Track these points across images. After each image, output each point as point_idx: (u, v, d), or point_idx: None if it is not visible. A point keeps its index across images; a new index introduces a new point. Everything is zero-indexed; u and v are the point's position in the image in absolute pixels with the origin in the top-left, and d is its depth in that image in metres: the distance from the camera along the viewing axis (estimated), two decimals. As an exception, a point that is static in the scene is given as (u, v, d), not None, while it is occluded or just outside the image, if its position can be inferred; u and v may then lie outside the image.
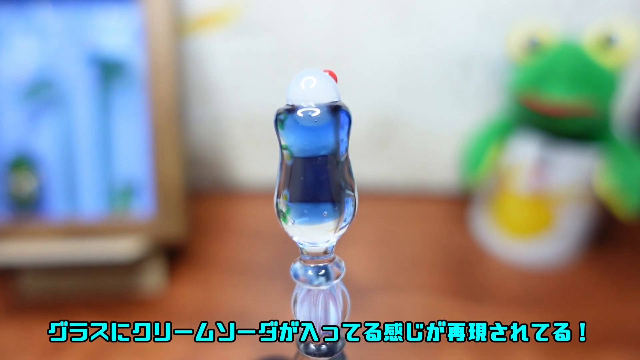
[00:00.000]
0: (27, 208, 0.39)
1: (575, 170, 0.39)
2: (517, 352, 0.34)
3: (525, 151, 0.40)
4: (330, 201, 0.15)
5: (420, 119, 0.51)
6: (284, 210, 0.15)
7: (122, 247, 0.37)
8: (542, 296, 0.39)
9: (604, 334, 0.35)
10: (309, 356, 0.17)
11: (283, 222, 0.15)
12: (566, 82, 0.37)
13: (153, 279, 0.39)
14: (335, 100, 0.14)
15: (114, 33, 0.40)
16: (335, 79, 0.15)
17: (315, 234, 0.15)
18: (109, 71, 0.40)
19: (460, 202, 0.52)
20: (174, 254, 0.43)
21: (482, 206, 0.47)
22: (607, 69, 0.37)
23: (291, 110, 0.14)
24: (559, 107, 0.37)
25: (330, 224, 0.15)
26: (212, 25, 0.47)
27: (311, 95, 0.14)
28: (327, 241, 0.16)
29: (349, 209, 0.15)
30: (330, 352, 0.17)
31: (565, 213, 0.41)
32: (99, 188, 0.40)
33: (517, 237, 0.43)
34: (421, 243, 0.46)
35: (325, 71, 0.15)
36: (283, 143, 0.15)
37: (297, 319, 0.17)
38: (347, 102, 0.15)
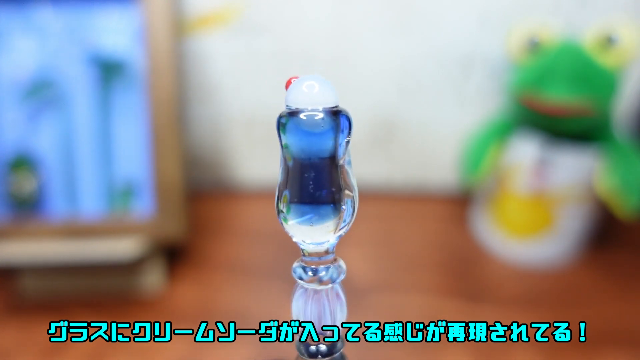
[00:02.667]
0: (27, 208, 0.39)
1: (575, 170, 0.39)
2: (517, 352, 0.34)
3: (525, 151, 0.40)
4: (329, 202, 0.15)
5: (420, 119, 0.51)
6: (284, 210, 0.15)
7: (122, 247, 0.37)
8: (542, 296, 0.39)
9: (604, 334, 0.35)
10: (310, 358, 0.17)
11: (283, 222, 0.16)
12: (566, 82, 0.37)
13: (153, 279, 0.39)
14: (335, 105, 0.15)
15: (114, 33, 0.40)
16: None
17: (315, 235, 0.16)
18: (109, 71, 0.40)
19: (460, 202, 0.52)
20: (174, 254, 0.43)
21: (482, 206, 0.47)
22: (607, 69, 0.37)
23: (293, 113, 0.14)
24: (559, 107, 0.37)
25: (330, 225, 0.15)
26: (212, 25, 0.47)
27: (313, 99, 0.14)
28: (327, 241, 0.16)
29: (348, 210, 0.15)
30: (329, 352, 0.17)
31: (565, 213, 0.41)
32: (99, 188, 0.40)
33: (517, 237, 0.43)
34: (421, 243, 0.46)
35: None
36: (284, 145, 0.15)
37: (296, 318, 0.17)
38: (347, 102, 0.15)
